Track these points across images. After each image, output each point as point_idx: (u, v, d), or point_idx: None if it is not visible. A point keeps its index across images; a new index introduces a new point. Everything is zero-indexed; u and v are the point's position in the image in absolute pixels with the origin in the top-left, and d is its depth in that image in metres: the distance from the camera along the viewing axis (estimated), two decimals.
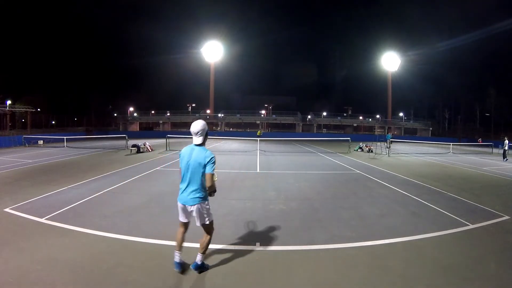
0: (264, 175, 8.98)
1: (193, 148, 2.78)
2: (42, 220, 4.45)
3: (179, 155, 2.87)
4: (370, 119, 53.79)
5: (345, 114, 54.11)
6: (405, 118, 55.34)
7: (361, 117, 52.60)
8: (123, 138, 20.55)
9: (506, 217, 5.00)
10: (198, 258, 2.91)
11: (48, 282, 2.73)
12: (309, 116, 49.39)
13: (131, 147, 15.72)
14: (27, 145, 19.71)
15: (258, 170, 10.00)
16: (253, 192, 6.68)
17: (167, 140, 18.24)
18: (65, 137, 19.99)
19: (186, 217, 2.88)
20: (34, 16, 44.53)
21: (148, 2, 68.09)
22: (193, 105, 55.02)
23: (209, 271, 3.01)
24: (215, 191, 2.80)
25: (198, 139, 2.78)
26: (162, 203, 5.59)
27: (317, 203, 5.79)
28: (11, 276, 2.81)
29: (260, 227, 4.34)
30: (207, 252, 3.06)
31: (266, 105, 55.93)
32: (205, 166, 2.67)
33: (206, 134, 2.84)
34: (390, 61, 49.26)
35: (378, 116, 53.82)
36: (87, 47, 53.03)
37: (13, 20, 40.20)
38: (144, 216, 4.78)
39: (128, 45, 65.93)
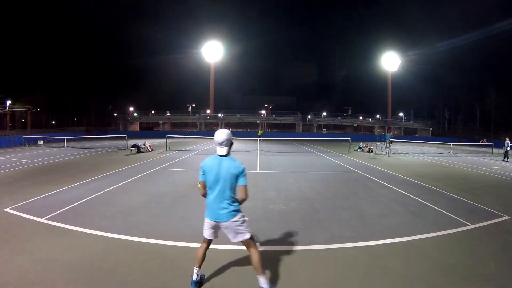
0: (264, 175, 8.98)
1: (221, 159, 2.56)
2: (42, 220, 4.45)
3: (202, 167, 2.63)
4: (370, 119, 53.79)
5: (345, 114, 54.12)
6: (405, 118, 55.34)
7: (361, 117, 52.61)
8: (123, 138, 20.55)
9: (506, 217, 5.00)
10: (262, 282, 2.53)
11: (48, 282, 2.73)
12: (309, 116, 49.39)
13: (131, 147, 15.72)
14: (27, 145, 19.71)
15: (258, 170, 10.00)
16: (253, 192, 6.67)
17: (167, 140, 18.24)
18: (65, 137, 20.00)
19: (214, 234, 2.63)
20: (34, 16, 44.57)
21: (148, 2, 68.13)
22: (193, 105, 55.05)
23: (209, 271, 3.01)
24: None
25: (223, 150, 2.57)
26: (162, 203, 5.59)
27: (317, 203, 5.79)
28: (11, 276, 2.81)
29: (260, 227, 4.33)
30: (197, 261, 2.69)
31: (266, 105, 55.96)
32: (237, 177, 2.47)
33: (231, 144, 2.66)
34: (390, 61, 49.25)
35: (378, 116, 53.83)
36: (87, 47, 53.13)
37: (13, 20, 40.23)
38: (144, 216, 4.77)
39: (128, 45, 66.05)
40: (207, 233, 2.63)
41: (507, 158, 15.36)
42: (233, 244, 3.68)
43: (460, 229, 4.39)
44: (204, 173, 2.60)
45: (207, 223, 2.59)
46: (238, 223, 2.50)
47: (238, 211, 2.53)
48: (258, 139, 21.12)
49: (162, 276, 2.90)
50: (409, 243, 3.83)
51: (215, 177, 2.50)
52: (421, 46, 52.20)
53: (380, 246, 3.73)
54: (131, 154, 14.41)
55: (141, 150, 15.43)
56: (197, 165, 10.97)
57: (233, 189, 2.51)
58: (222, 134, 2.59)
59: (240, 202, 2.55)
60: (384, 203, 5.90)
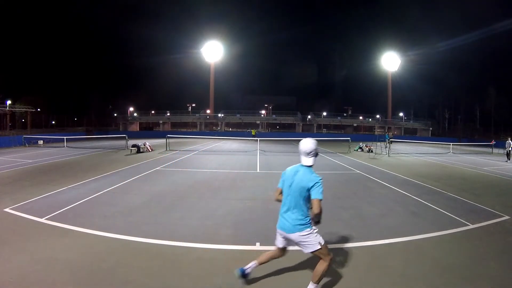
0: (264, 175, 8.98)
1: (299, 169, 2.44)
2: (42, 220, 4.45)
3: (283, 174, 2.57)
4: (370, 119, 53.77)
5: (345, 114, 54.08)
6: (405, 118, 55.32)
7: (361, 117, 52.58)
8: (123, 138, 20.55)
9: (506, 217, 5.00)
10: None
11: (48, 282, 2.73)
12: (309, 116, 49.38)
13: (131, 147, 15.72)
14: (27, 145, 19.71)
15: (258, 170, 10.00)
16: (253, 192, 6.68)
17: (167, 140, 18.25)
18: (65, 137, 19.99)
19: (286, 243, 2.57)
20: (34, 16, 44.57)
21: (148, 2, 68.11)
22: (193, 105, 54.99)
23: (209, 271, 3.02)
24: (319, 221, 2.33)
25: (309, 160, 2.42)
26: (162, 203, 5.59)
27: None
28: (11, 276, 2.81)
29: (260, 227, 4.33)
30: (259, 260, 2.68)
31: (266, 105, 55.91)
32: (310, 190, 2.30)
33: (317, 154, 2.49)
34: (390, 61, 49.26)
35: (378, 116, 53.81)
36: (87, 47, 53.16)
37: (13, 20, 40.24)
38: (144, 216, 4.78)
39: (128, 45, 66.14)
40: (278, 242, 2.58)
41: (509, 159, 15.29)
42: (233, 244, 3.70)
43: (460, 229, 4.39)
44: (283, 181, 2.55)
45: (277, 232, 2.55)
46: (305, 237, 2.37)
47: (306, 224, 2.38)
48: (258, 139, 21.11)
49: (162, 276, 2.90)
50: (409, 243, 3.83)
51: (289, 186, 2.44)
52: (421, 46, 52.24)
53: (380, 246, 3.73)
54: (131, 154, 14.41)
55: (141, 150, 15.43)
56: (197, 165, 10.91)
57: (304, 201, 2.36)
58: (310, 143, 2.44)
59: (314, 216, 2.32)
60: (384, 203, 5.90)
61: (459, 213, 5.14)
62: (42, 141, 21.56)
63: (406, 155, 17.63)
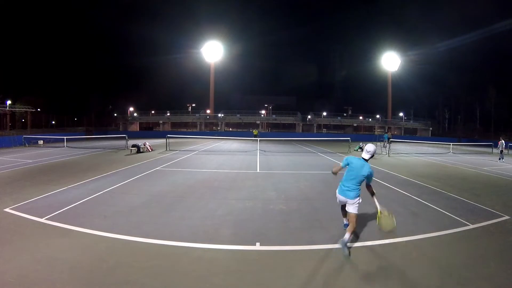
0: (264, 175, 8.98)
1: (363, 161, 3.71)
2: (42, 220, 4.46)
3: (348, 159, 3.85)
4: (370, 119, 53.73)
5: (345, 114, 54.06)
6: (405, 118, 55.28)
7: (361, 117, 52.55)
8: (123, 138, 20.55)
9: (506, 217, 5.00)
10: (345, 237, 3.49)
11: (48, 282, 2.73)
12: (309, 116, 49.37)
13: (131, 147, 15.72)
14: (27, 145, 19.72)
15: (258, 170, 10.00)
16: (253, 192, 6.68)
17: (167, 140, 18.25)
18: (65, 137, 19.99)
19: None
20: (34, 16, 44.56)
21: (148, 2, 68.09)
22: (193, 105, 54.97)
23: (209, 271, 3.02)
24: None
25: (367, 156, 3.75)
26: (162, 203, 5.59)
27: (317, 203, 5.79)
28: (11, 276, 2.81)
29: (260, 227, 4.34)
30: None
31: (266, 105, 55.87)
32: (367, 177, 3.65)
33: (373, 155, 3.82)
34: (390, 61, 49.23)
35: (378, 116, 53.78)
36: (87, 47, 53.13)
37: (13, 20, 40.23)
38: (144, 216, 4.78)
39: (128, 45, 66.03)
40: (340, 201, 3.85)
41: (503, 159, 15.21)
42: (233, 244, 3.70)
43: (460, 229, 4.39)
44: (348, 164, 3.76)
45: (338, 196, 3.81)
46: (356, 202, 3.62)
47: (359, 196, 3.64)
48: (258, 139, 21.11)
49: (162, 276, 2.90)
50: (409, 243, 3.84)
51: (355, 171, 3.63)
52: (421, 46, 52.18)
53: (380, 246, 3.74)
54: (131, 154, 14.41)
55: (141, 150, 15.43)
56: (197, 165, 10.92)
57: (360, 182, 3.67)
58: (373, 147, 3.78)
59: (371, 192, 3.80)
60: (384, 203, 5.87)
61: (459, 213, 5.14)
62: (42, 141, 21.56)
63: (406, 155, 17.63)
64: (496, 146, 20.84)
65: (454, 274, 3.03)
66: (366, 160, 3.69)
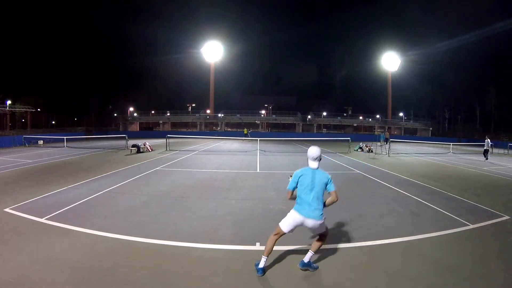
0: (264, 175, 8.98)
1: (314, 170, 3.03)
2: (42, 220, 4.46)
3: (296, 175, 3.10)
4: (370, 119, 53.74)
5: (345, 114, 54.06)
6: (405, 118, 55.28)
7: (361, 117, 52.56)
8: (123, 138, 20.55)
9: (506, 217, 5.00)
10: (307, 256, 3.07)
11: (48, 282, 2.73)
12: (309, 116, 49.38)
13: (131, 147, 15.72)
14: (27, 145, 19.71)
15: (258, 170, 10.00)
16: (253, 192, 6.68)
17: (167, 140, 18.25)
18: (65, 137, 19.99)
19: (293, 229, 3.01)
20: (34, 16, 44.55)
21: (148, 2, 68.09)
22: (193, 105, 54.96)
23: (209, 271, 3.02)
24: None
25: (315, 164, 3.05)
26: (162, 203, 5.59)
27: None
28: (11, 276, 2.81)
29: (260, 227, 4.33)
30: (266, 252, 3.02)
31: (266, 105, 55.88)
32: (327, 185, 2.96)
33: (320, 159, 3.13)
34: (390, 61, 49.24)
35: (378, 116, 53.79)
36: (87, 47, 53.09)
37: (13, 20, 40.22)
38: (144, 216, 4.78)
39: (128, 45, 65.97)
40: (288, 227, 2.98)
41: (487, 158, 15.12)
42: (234, 244, 3.70)
43: (460, 229, 4.39)
44: (298, 181, 3.05)
45: (295, 218, 2.96)
46: (322, 222, 2.93)
47: (322, 214, 2.95)
48: (258, 139, 21.10)
49: (162, 276, 2.90)
50: (409, 243, 3.83)
51: (311, 184, 2.96)
52: (421, 46, 52.15)
53: (380, 246, 3.73)
54: (131, 154, 14.41)
55: (141, 150, 15.43)
56: (197, 165, 10.92)
57: (323, 194, 2.97)
58: (317, 151, 3.08)
59: (329, 203, 2.98)
60: (384, 203, 5.90)
61: (459, 213, 5.14)
62: (42, 141, 21.57)
63: (406, 155, 17.63)
64: (496, 146, 20.90)
65: (454, 274, 3.03)
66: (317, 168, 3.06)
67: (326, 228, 3.10)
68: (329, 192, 2.96)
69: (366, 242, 3.80)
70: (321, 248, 3.15)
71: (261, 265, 2.96)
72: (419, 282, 2.86)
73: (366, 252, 3.55)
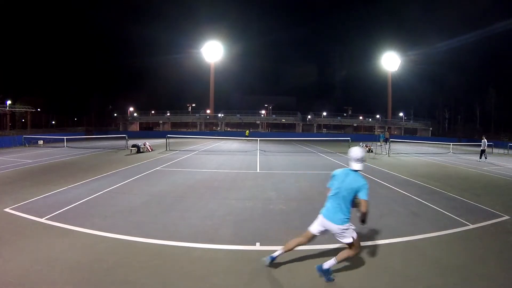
0: (264, 175, 8.98)
1: (349, 172, 2.85)
2: (42, 220, 4.46)
3: (333, 174, 2.97)
4: (370, 119, 53.75)
5: (345, 114, 54.08)
6: (405, 118, 55.29)
7: (361, 117, 52.58)
8: (123, 138, 20.56)
9: (506, 217, 5.00)
10: (328, 263, 2.85)
11: (48, 282, 2.73)
12: (309, 116, 49.38)
13: (131, 147, 15.73)
14: (27, 145, 19.72)
15: (258, 170, 10.00)
16: (253, 192, 6.68)
17: (167, 140, 18.25)
18: (65, 137, 20.00)
19: (321, 232, 2.90)
20: (34, 16, 44.54)
21: (148, 2, 68.07)
22: (193, 105, 54.97)
23: (209, 271, 3.01)
24: (365, 220, 2.74)
25: (358, 165, 2.82)
26: (162, 203, 5.59)
27: (317, 203, 5.77)
28: (11, 276, 2.81)
29: (260, 227, 4.34)
30: (287, 247, 3.04)
31: (266, 105, 55.89)
32: (358, 191, 2.72)
33: (364, 161, 2.91)
34: (390, 61, 49.25)
35: (378, 116, 53.80)
36: (87, 47, 53.11)
37: (13, 20, 40.21)
38: (144, 216, 4.78)
39: (128, 45, 66.06)
40: (314, 229, 2.91)
41: (482, 157, 15.06)
42: (234, 244, 3.70)
43: (460, 229, 4.39)
44: (333, 181, 2.93)
45: (319, 218, 2.90)
46: (345, 229, 2.75)
47: (348, 220, 2.76)
48: (258, 139, 21.11)
49: (162, 276, 2.90)
50: (409, 243, 3.83)
51: (338, 186, 2.83)
52: (421, 46, 52.19)
53: (380, 246, 3.73)
54: (131, 154, 14.41)
55: (141, 150, 15.43)
56: (197, 165, 10.93)
57: (351, 200, 2.76)
58: (358, 151, 2.85)
59: (361, 215, 2.71)
60: (384, 203, 5.89)
61: (459, 213, 5.14)
62: (42, 141, 21.58)
63: (406, 155, 17.63)
64: (496, 146, 20.90)
65: (454, 274, 3.03)
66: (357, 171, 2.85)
67: (354, 238, 2.78)
68: (359, 200, 2.73)
69: (366, 242, 3.80)
70: (347, 258, 2.88)
71: (274, 254, 2.98)
72: (419, 282, 2.86)
73: (366, 252, 3.55)
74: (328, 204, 2.88)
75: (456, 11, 52.35)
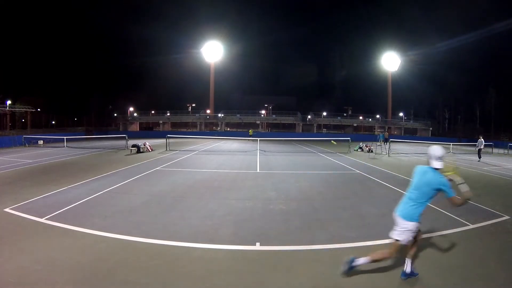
0: (264, 175, 8.98)
1: (428, 170, 2.86)
2: (42, 220, 4.46)
3: (414, 171, 2.99)
4: (370, 119, 53.75)
5: (345, 114, 54.08)
6: (405, 118, 55.28)
7: (361, 117, 52.58)
8: (123, 138, 20.56)
9: (506, 217, 5.00)
10: (407, 265, 2.95)
11: (48, 282, 2.73)
12: (309, 116, 49.37)
13: (131, 147, 15.73)
14: (27, 145, 19.72)
15: (258, 170, 10.00)
16: (253, 192, 6.68)
17: (167, 140, 18.25)
18: (65, 137, 20.00)
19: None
20: (34, 16, 44.54)
21: (148, 2, 68.05)
22: (193, 105, 54.96)
23: (209, 271, 3.02)
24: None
25: (435, 163, 2.83)
26: (162, 203, 5.59)
27: (317, 203, 5.79)
28: (11, 276, 2.81)
29: (260, 227, 4.34)
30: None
31: (266, 105, 55.87)
32: (439, 191, 2.72)
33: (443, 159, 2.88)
34: (390, 61, 49.23)
35: (378, 116, 53.80)
36: (87, 47, 53.10)
37: (13, 20, 40.21)
38: (144, 216, 4.78)
39: (128, 45, 66.03)
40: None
41: (480, 158, 15.09)
42: (234, 244, 3.70)
43: (460, 229, 4.39)
44: (413, 178, 2.93)
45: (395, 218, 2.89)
46: (405, 227, 2.75)
47: (416, 220, 2.76)
48: (258, 139, 21.11)
49: (162, 276, 2.90)
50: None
51: (414, 182, 2.88)
52: (421, 46, 52.18)
53: (380, 246, 3.73)
54: (131, 154, 14.41)
55: (141, 150, 15.43)
56: (197, 165, 10.91)
57: (429, 198, 2.77)
58: (440, 150, 2.87)
59: (460, 204, 2.75)
60: (384, 203, 5.89)
61: (459, 213, 5.13)
62: (42, 141, 21.57)
63: (406, 155, 17.63)
64: (496, 146, 20.89)
65: (454, 274, 3.03)
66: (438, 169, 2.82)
67: (403, 241, 2.79)
68: (448, 199, 2.71)
69: (366, 242, 3.80)
70: (416, 252, 2.97)
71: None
72: (419, 282, 2.86)
73: (366, 252, 3.54)
74: (403, 200, 2.91)
75: (456, 11, 52.30)
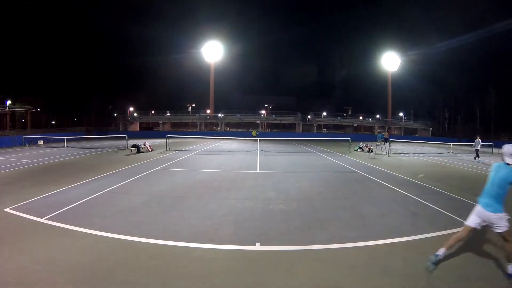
0: (264, 175, 8.98)
1: (502, 166, 3.15)
2: (42, 220, 4.46)
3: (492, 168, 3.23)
4: (370, 119, 53.76)
5: (345, 114, 54.08)
6: (405, 118, 55.29)
7: (361, 117, 52.59)
8: (123, 138, 20.56)
9: (506, 217, 4.99)
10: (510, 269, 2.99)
11: (48, 282, 2.73)
12: (309, 116, 49.37)
13: (131, 147, 15.73)
14: (27, 145, 19.72)
15: (258, 170, 10.00)
16: (253, 192, 6.68)
17: (167, 140, 18.25)
18: (65, 137, 20.02)
19: (478, 225, 3.14)
20: (34, 16, 44.53)
21: (148, 2, 68.04)
22: (193, 105, 54.97)
23: (209, 271, 3.01)
24: None
25: (508, 159, 3.09)
26: (162, 203, 5.59)
27: (317, 203, 5.79)
28: (11, 276, 2.81)
29: (260, 227, 4.33)
30: (447, 245, 3.18)
31: (266, 105, 55.86)
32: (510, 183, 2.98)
33: None
34: (390, 61, 49.26)
35: (378, 116, 53.80)
36: (87, 47, 53.09)
37: (13, 20, 40.20)
38: (144, 216, 4.78)
39: (128, 45, 66.04)
40: (471, 219, 3.18)
41: (479, 157, 15.06)
42: (233, 244, 3.70)
43: (460, 229, 4.37)
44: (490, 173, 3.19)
45: (475, 208, 3.20)
46: (498, 219, 2.97)
47: (501, 209, 3.00)
48: (258, 139, 21.12)
49: (162, 276, 2.90)
50: (409, 243, 3.83)
51: (491, 177, 3.16)
52: (421, 46, 52.15)
53: (380, 246, 3.73)
54: (131, 154, 14.41)
55: (141, 150, 15.44)
56: (197, 165, 10.90)
57: (503, 192, 3.02)
58: (510, 147, 3.11)
59: None
60: (384, 203, 5.90)
61: (459, 213, 5.13)
62: (42, 141, 21.59)
63: (406, 155, 17.63)
64: (496, 146, 20.84)
65: (454, 274, 3.03)
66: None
67: (507, 227, 2.95)
68: None
69: (366, 242, 3.80)
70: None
71: (439, 253, 3.08)
72: (419, 282, 2.86)
73: (366, 252, 3.55)
74: (485, 194, 3.15)
75: (456, 11, 52.29)
